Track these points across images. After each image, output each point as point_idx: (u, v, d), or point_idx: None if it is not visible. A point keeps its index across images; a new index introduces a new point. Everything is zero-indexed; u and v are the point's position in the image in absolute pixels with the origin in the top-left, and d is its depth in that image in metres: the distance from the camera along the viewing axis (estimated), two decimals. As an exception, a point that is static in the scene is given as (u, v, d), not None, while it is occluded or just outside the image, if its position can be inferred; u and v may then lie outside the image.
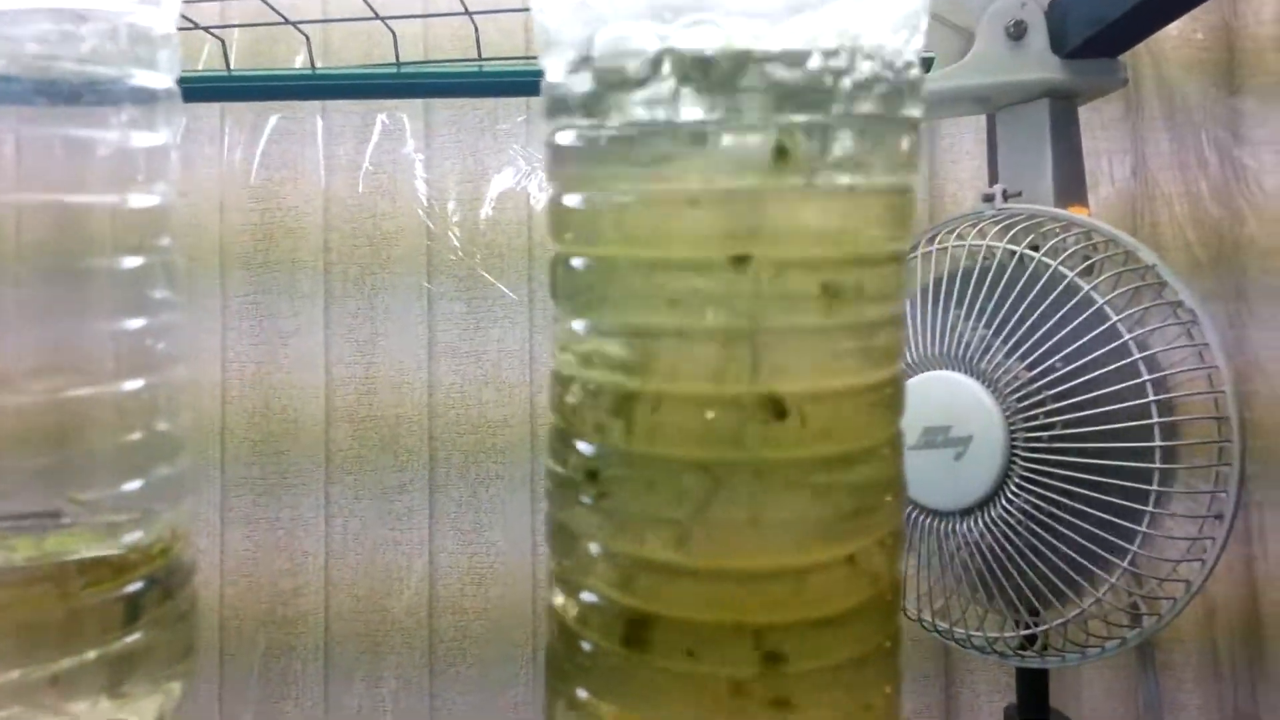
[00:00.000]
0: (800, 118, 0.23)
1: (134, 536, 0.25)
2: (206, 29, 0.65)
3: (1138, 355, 0.52)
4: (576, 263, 0.26)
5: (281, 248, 0.92)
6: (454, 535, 0.94)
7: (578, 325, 0.26)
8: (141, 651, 0.25)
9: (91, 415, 0.25)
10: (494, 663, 0.93)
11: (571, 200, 0.26)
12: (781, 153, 0.23)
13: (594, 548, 0.25)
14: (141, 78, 0.26)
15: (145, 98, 0.26)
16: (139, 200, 0.26)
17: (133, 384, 0.26)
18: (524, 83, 0.63)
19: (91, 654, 0.24)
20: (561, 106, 0.25)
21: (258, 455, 0.92)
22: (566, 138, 0.25)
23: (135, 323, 0.26)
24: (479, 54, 0.60)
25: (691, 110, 0.23)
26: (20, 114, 0.24)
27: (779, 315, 0.23)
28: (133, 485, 0.25)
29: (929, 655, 0.92)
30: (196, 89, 0.66)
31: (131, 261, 0.26)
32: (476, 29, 0.61)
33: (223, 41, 0.70)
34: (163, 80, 0.26)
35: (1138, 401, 0.52)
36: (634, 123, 0.23)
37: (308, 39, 0.67)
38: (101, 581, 0.24)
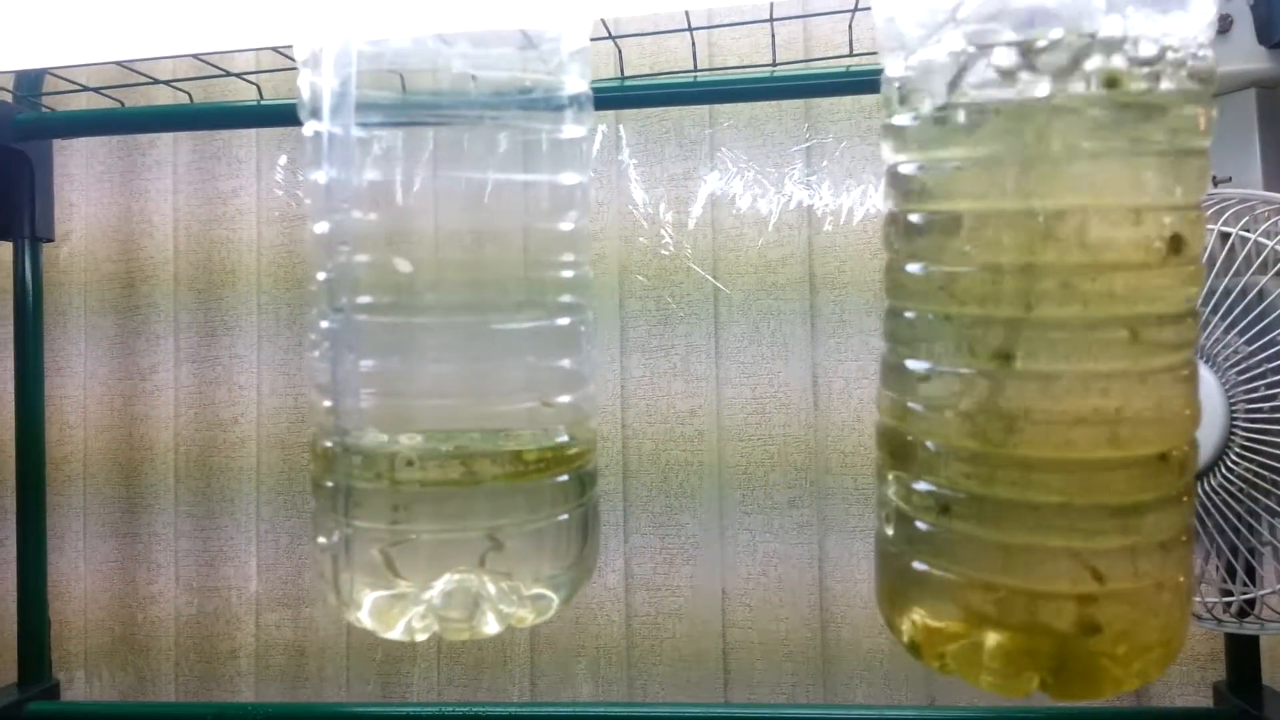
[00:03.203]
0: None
1: (564, 438, 0.33)
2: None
3: (1362, 328, 0.54)
4: (916, 218, 0.32)
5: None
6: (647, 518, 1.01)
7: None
8: (572, 530, 0.32)
9: (544, 341, 0.32)
10: (694, 660, 0.99)
11: (908, 169, 0.31)
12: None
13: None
14: (570, 84, 0.33)
15: (573, 99, 0.33)
16: (569, 179, 0.33)
17: (562, 320, 0.33)
18: (813, 85, 0.70)
19: (544, 524, 0.31)
20: (914, 93, 0.31)
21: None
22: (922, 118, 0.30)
23: (558, 274, 0.33)
24: (774, 59, 0.66)
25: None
26: (493, 114, 0.31)
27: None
28: (565, 399, 0.33)
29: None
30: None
31: (566, 225, 0.33)
32: (774, 36, 0.68)
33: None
34: (582, 85, 0.33)
35: (1362, 372, 0.54)
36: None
37: (619, 51, 0.75)
38: (553, 466, 0.31)
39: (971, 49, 0.29)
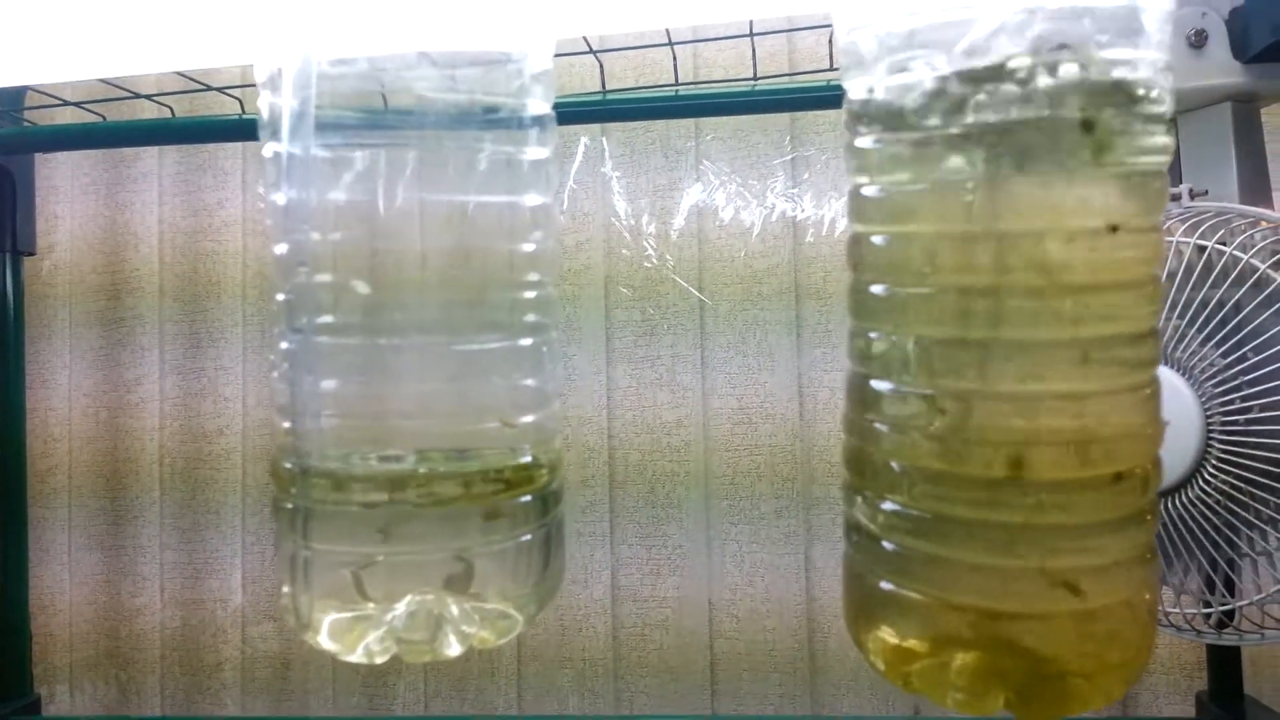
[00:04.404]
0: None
1: (527, 458, 0.32)
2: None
3: (1336, 341, 0.54)
4: (878, 239, 0.32)
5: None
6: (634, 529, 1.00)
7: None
8: (535, 549, 0.32)
9: (507, 362, 0.32)
10: (681, 671, 0.99)
11: (871, 190, 0.31)
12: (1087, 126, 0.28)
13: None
14: (534, 106, 0.33)
15: (537, 121, 0.33)
16: (532, 200, 0.33)
17: (525, 340, 0.33)
18: (795, 99, 0.70)
19: (506, 544, 0.31)
20: (875, 115, 0.31)
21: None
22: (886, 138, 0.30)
23: (520, 295, 0.33)
24: (755, 73, 0.67)
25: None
26: (455, 136, 0.31)
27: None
28: (528, 419, 0.33)
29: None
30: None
31: (529, 246, 0.33)
32: (754, 50, 0.68)
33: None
34: (545, 107, 0.33)
35: (1337, 385, 0.54)
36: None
37: (601, 66, 0.75)
38: (517, 486, 0.31)
39: (929, 73, 0.29)
